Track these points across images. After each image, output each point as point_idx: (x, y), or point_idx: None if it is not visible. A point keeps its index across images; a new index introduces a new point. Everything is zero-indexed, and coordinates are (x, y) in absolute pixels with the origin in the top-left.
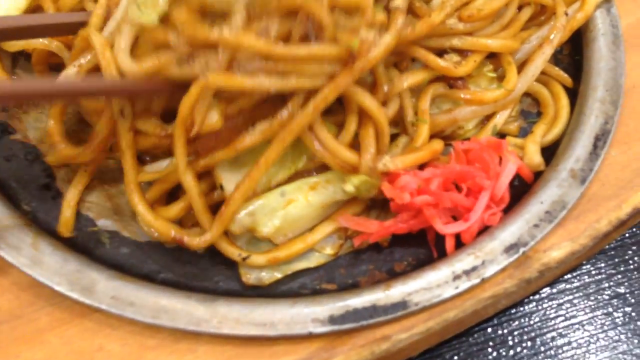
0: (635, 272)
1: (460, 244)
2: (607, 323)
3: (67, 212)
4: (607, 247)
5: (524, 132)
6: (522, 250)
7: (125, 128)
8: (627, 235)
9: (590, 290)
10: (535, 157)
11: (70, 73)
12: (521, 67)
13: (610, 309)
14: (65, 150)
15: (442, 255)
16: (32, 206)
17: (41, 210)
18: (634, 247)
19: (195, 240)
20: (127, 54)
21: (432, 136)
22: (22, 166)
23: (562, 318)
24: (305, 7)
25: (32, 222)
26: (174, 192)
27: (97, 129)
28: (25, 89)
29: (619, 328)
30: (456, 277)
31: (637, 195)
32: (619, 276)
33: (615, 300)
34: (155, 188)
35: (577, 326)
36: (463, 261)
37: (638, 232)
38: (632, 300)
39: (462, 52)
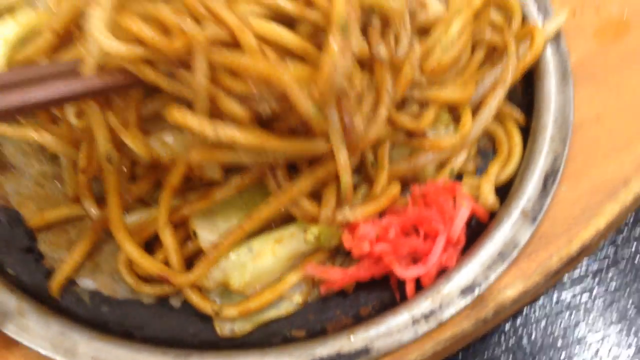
0: None
1: (420, 287)
2: None
3: (64, 272)
4: None
5: (480, 171)
6: (477, 291)
7: (111, 172)
8: None
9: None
10: (489, 198)
11: None
12: (476, 109)
13: None
14: None
15: (404, 297)
16: (15, 270)
17: (25, 274)
18: None
19: (179, 278)
20: (105, 31)
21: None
22: (5, 230)
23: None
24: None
25: (16, 287)
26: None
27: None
28: None
29: None
30: (415, 322)
31: (586, 232)
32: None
33: None
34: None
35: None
36: (421, 305)
37: None
38: None
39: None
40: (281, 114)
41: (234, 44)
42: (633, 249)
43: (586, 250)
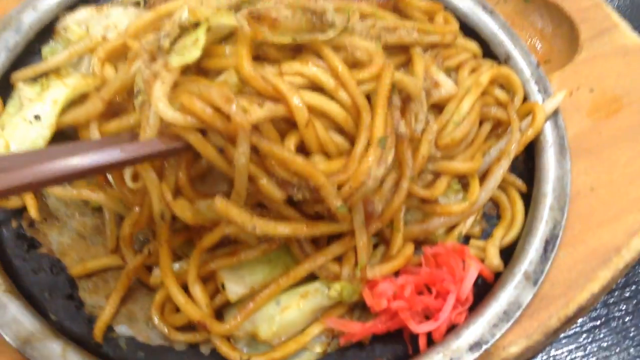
0: None
1: (431, 340)
2: None
3: (105, 319)
4: None
5: (485, 234)
6: (484, 347)
7: (163, 226)
8: None
9: None
10: (494, 260)
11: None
12: (483, 177)
13: None
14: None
15: (417, 351)
16: (58, 316)
17: (67, 319)
18: None
19: (217, 327)
20: (167, 103)
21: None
22: (49, 278)
23: None
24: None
25: (60, 332)
26: None
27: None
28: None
29: None
30: None
31: (582, 295)
32: None
33: None
34: (162, 292)
35: None
36: (433, 359)
37: None
38: None
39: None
40: (311, 200)
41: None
42: (623, 310)
43: (582, 311)
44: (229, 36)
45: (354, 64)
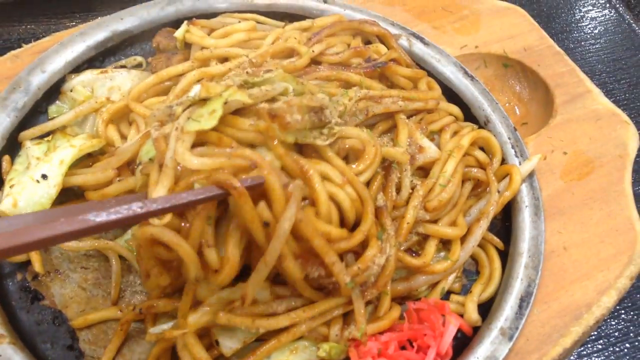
0: None
1: None
2: None
3: None
4: None
5: (465, 289)
6: None
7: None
8: None
9: None
10: (473, 315)
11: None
12: (464, 237)
13: None
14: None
15: None
16: None
17: None
18: None
19: None
20: (190, 153)
21: (392, 298)
22: (50, 329)
23: None
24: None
25: None
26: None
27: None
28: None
29: None
30: None
31: (555, 350)
32: None
33: None
34: (159, 346)
35: None
36: None
37: None
38: None
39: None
40: (319, 277)
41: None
42: None
43: None
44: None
45: (349, 150)
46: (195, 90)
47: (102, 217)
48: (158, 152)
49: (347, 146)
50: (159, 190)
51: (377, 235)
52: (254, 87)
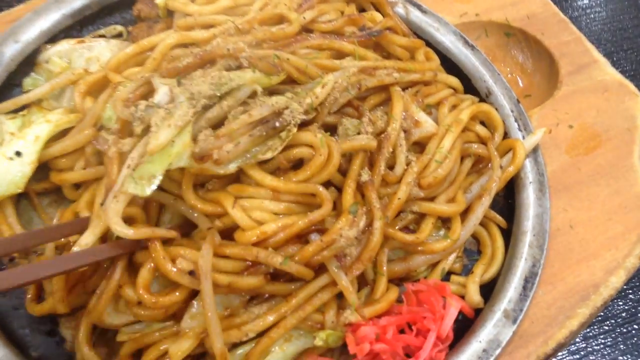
0: None
1: None
2: None
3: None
4: None
5: (466, 270)
6: None
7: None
8: None
9: None
10: (475, 297)
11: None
12: (464, 214)
13: None
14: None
15: None
16: (39, 352)
17: (48, 356)
18: None
19: None
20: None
21: (390, 280)
22: (29, 314)
23: None
24: None
25: None
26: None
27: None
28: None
29: None
30: None
31: (561, 332)
32: None
33: None
34: (128, 345)
35: None
36: None
37: None
38: None
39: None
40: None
41: None
42: (602, 344)
43: (560, 348)
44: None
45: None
46: (163, 94)
47: None
48: (107, 175)
49: (293, 156)
50: (87, 237)
51: (349, 210)
52: (214, 107)
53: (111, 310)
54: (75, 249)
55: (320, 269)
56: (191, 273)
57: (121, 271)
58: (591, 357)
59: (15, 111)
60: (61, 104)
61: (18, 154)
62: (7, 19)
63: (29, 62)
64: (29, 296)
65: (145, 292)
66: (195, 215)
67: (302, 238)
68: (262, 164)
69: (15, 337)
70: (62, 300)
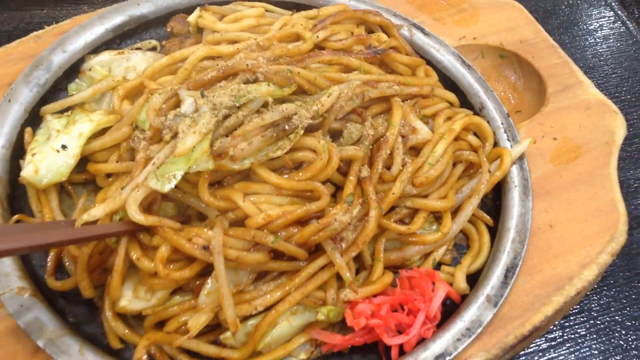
0: None
1: (402, 351)
2: None
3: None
4: None
5: (455, 261)
6: (447, 358)
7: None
8: None
9: None
10: (461, 284)
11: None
12: (455, 212)
13: None
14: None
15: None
16: (76, 319)
17: (83, 322)
18: None
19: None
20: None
21: (386, 267)
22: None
23: None
24: None
25: (77, 332)
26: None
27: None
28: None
29: None
30: None
31: (537, 316)
32: None
33: None
34: (151, 317)
35: None
36: None
37: None
38: None
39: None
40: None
41: None
42: (577, 333)
43: (537, 332)
44: None
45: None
46: (189, 104)
47: None
48: (132, 175)
49: (298, 158)
50: (98, 210)
51: (344, 199)
52: (231, 116)
53: (131, 297)
54: (84, 216)
55: (320, 251)
56: (205, 248)
57: (125, 246)
58: (567, 344)
59: (61, 112)
60: (101, 107)
61: (64, 147)
62: (55, 32)
63: (74, 70)
64: (48, 270)
65: (162, 265)
66: (203, 206)
67: (304, 224)
68: (269, 163)
69: (56, 304)
70: (88, 287)
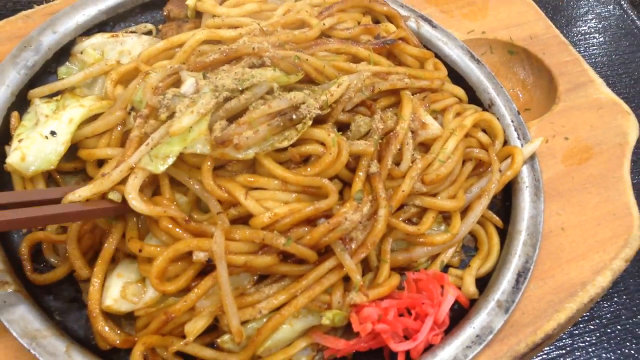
0: None
1: (409, 358)
2: None
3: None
4: None
5: (463, 264)
6: None
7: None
8: None
9: None
10: (470, 288)
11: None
12: (464, 212)
13: None
14: None
15: None
16: (62, 317)
17: (70, 321)
18: None
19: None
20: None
21: (392, 269)
22: (55, 282)
23: None
24: None
25: (64, 332)
26: None
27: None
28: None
29: None
30: None
31: (549, 324)
32: None
33: None
34: (144, 319)
35: None
36: None
37: None
38: None
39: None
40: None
41: None
42: (587, 342)
43: (549, 339)
44: None
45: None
46: (189, 85)
47: None
48: (123, 154)
49: (305, 152)
50: (84, 190)
51: (354, 197)
52: (233, 99)
53: (118, 297)
54: (70, 196)
55: (328, 253)
56: (209, 261)
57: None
58: (577, 353)
59: (50, 96)
60: (93, 92)
61: (53, 133)
62: (46, 12)
63: (64, 52)
64: (25, 264)
65: (157, 280)
66: (206, 195)
67: (311, 223)
68: (274, 155)
69: (41, 301)
70: (84, 266)
